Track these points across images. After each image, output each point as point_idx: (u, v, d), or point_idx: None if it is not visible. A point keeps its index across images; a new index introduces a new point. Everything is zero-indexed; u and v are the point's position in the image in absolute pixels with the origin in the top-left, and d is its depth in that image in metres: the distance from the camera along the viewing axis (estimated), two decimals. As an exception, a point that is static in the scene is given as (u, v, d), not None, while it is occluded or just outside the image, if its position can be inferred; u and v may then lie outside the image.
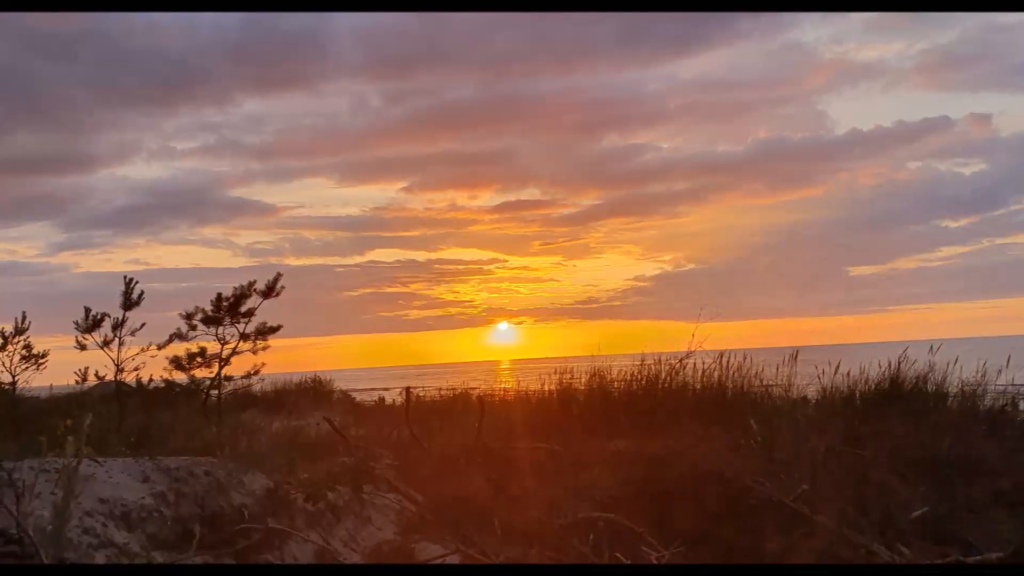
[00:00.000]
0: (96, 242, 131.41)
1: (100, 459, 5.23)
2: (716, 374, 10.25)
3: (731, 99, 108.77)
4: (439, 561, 5.33)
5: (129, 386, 9.11)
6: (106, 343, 8.82)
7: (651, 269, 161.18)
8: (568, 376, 10.88)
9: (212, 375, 9.54)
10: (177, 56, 71.34)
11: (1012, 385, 10.21)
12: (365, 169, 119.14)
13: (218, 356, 9.45)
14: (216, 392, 9.64)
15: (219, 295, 9.44)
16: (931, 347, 10.14)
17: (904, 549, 4.97)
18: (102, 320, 8.84)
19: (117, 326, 8.80)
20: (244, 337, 9.50)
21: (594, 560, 5.12)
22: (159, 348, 9.14)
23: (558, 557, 5.27)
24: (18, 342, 9.72)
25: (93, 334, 8.85)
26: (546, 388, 11.01)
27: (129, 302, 8.83)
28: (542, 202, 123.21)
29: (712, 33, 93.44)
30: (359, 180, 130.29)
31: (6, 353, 9.69)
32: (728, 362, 10.35)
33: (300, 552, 5.38)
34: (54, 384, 11.20)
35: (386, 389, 21.07)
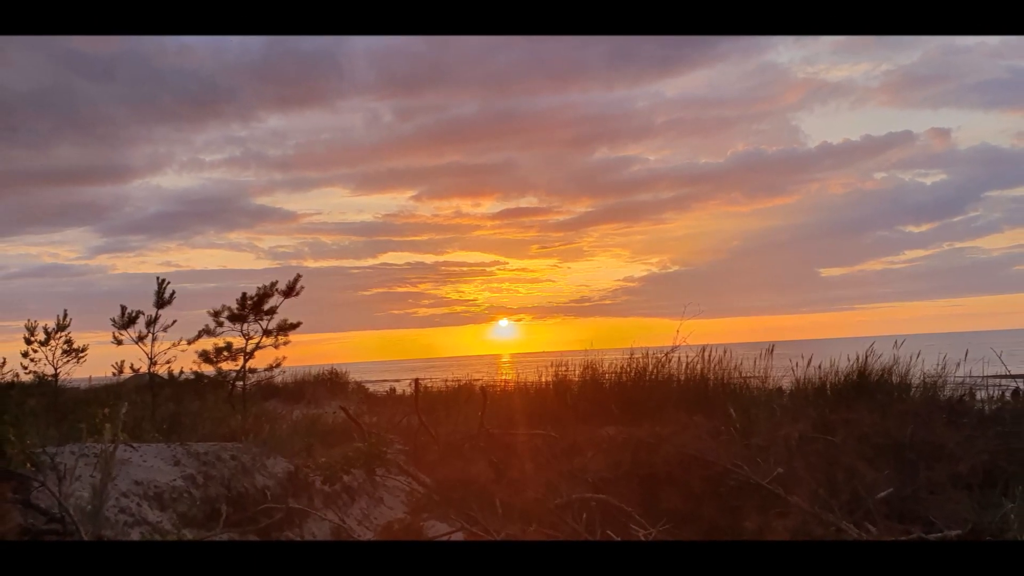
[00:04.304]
0: (131, 246, 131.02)
1: (135, 444, 5.23)
2: (699, 367, 10.25)
3: (712, 115, 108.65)
4: (445, 538, 5.33)
5: (161, 378, 9.10)
6: (140, 338, 8.80)
7: (639, 271, 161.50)
8: (563, 369, 10.87)
9: (237, 368, 9.52)
10: (206, 76, 71.40)
11: (969, 377, 10.20)
12: (378, 179, 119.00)
13: (243, 350, 9.43)
14: (241, 383, 9.62)
15: (244, 295, 9.43)
16: (896, 342, 10.13)
17: (871, 527, 4.97)
18: (137, 317, 8.82)
19: (150, 323, 8.78)
20: (267, 333, 9.48)
21: (587, 537, 5.12)
22: (189, 343, 9.11)
23: (554, 534, 5.26)
24: (60, 337, 9.70)
25: (128, 330, 8.82)
26: (543, 380, 11.01)
27: (161, 301, 8.81)
28: (539, 209, 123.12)
29: (694, 55, 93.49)
30: (372, 189, 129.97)
31: (49, 347, 9.67)
32: (710, 356, 10.34)
33: (318, 530, 5.38)
34: (93, 376, 11.18)
35: (397, 380, 21.01)
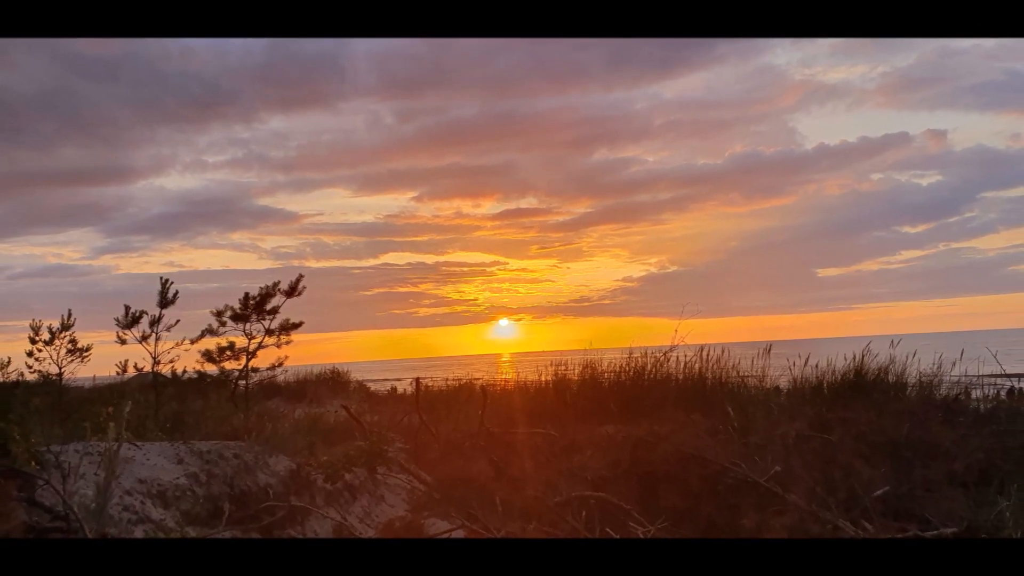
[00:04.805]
0: (135, 246, 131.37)
1: (139, 443, 5.23)
2: (697, 366, 10.25)
3: (710, 117, 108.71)
4: (446, 536, 5.33)
5: (165, 377, 9.08)
6: (144, 338, 8.79)
7: (638, 271, 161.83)
8: (563, 368, 10.86)
9: (240, 367, 9.51)
10: (209, 78, 71.39)
11: (965, 376, 10.21)
12: (379, 180, 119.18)
13: (245, 350, 9.42)
14: (244, 382, 9.62)
15: (246, 294, 9.42)
16: (892, 342, 10.13)
17: (867, 525, 4.96)
18: (140, 317, 8.81)
19: (154, 323, 8.77)
20: (269, 332, 9.47)
21: (586, 535, 5.12)
22: (192, 342, 9.10)
23: (553, 532, 5.26)
24: (64, 337, 9.68)
25: (132, 330, 8.81)
26: (543, 379, 11.00)
27: (165, 301, 8.80)
28: (539, 210, 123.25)
29: (692, 57, 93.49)
30: (373, 190, 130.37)
31: (53, 347, 9.66)
32: (708, 355, 10.34)
33: (320, 527, 5.38)
34: (97, 375, 11.17)
35: (398, 380, 21.01)
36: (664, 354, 10.28)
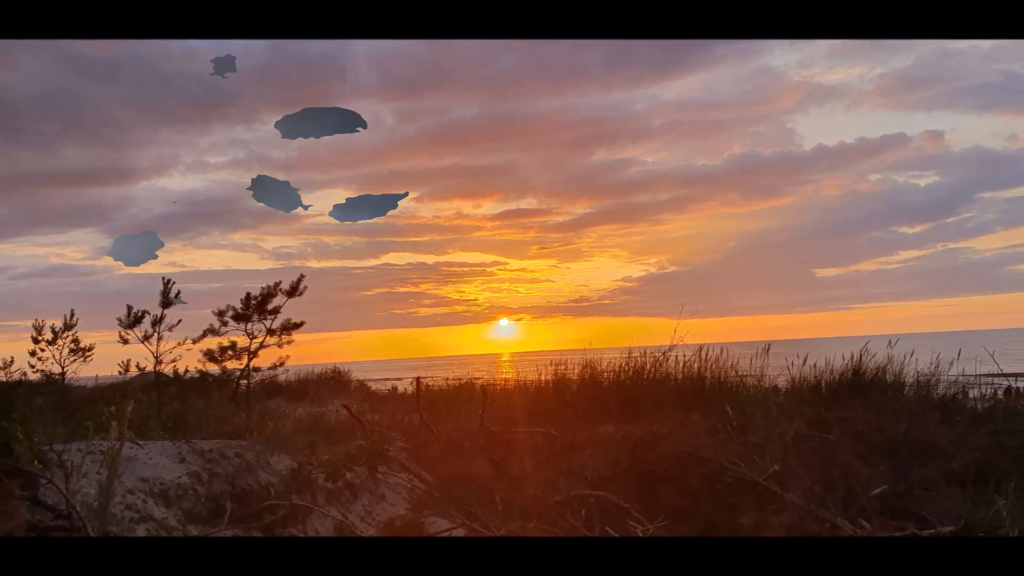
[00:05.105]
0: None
1: (141, 442, 5.23)
2: (696, 366, 10.25)
3: (709, 118, 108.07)
4: (446, 534, 5.33)
5: (167, 376, 9.07)
6: (146, 337, 8.78)
7: (637, 271, 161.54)
8: (562, 367, 10.87)
9: (241, 366, 9.51)
10: (210, 79, 71.20)
11: (962, 375, 10.21)
12: (379, 180, 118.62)
13: (247, 349, 9.41)
14: (245, 382, 9.61)
15: (248, 294, 9.41)
16: (890, 341, 10.12)
17: (865, 523, 4.96)
18: (142, 317, 8.81)
19: (156, 322, 8.77)
20: (270, 332, 9.47)
21: (586, 533, 5.12)
22: (194, 342, 9.10)
23: (553, 531, 5.26)
24: (67, 336, 9.66)
25: (134, 329, 8.81)
26: (542, 378, 11.01)
27: (167, 301, 8.80)
28: (539, 210, 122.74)
29: (691, 58, 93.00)
30: (374, 191, 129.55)
31: (56, 347, 9.65)
32: (706, 355, 10.35)
33: (321, 526, 5.38)
34: (99, 374, 11.15)
35: (398, 379, 21.00)
36: (663, 354, 10.28)
